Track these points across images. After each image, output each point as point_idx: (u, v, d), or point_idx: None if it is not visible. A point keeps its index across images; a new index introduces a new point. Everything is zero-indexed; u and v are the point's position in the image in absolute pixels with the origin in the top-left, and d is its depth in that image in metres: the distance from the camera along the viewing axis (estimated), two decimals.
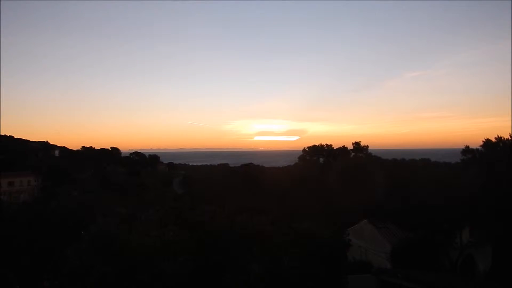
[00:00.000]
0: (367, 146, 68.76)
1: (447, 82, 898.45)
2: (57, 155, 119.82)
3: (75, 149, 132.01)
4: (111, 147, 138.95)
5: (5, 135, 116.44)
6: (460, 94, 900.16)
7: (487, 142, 30.74)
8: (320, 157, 72.67)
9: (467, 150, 33.31)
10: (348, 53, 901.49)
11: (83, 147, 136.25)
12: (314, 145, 72.97)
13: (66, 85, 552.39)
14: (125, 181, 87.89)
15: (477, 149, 32.37)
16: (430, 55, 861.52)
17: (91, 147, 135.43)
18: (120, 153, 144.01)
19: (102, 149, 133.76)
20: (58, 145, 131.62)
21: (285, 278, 7.43)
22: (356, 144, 68.08)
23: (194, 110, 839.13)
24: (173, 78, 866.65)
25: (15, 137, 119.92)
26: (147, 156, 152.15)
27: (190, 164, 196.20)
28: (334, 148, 71.42)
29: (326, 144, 72.47)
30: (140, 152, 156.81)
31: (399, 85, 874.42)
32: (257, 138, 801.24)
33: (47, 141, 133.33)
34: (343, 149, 70.22)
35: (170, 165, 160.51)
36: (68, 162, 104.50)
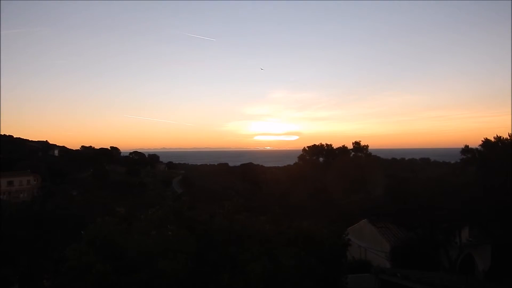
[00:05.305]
0: (367, 146, 68.81)
1: (447, 82, 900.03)
2: (57, 154, 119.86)
3: (74, 149, 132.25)
4: (110, 147, 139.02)
5: (4, 134, 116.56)
6: (459, 94, 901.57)
7: (487, 141, 30.67)
8: (320, 156, 72.63)
9: (466, 150, 33.16)
10: (348, 53, 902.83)
11: (82, 146, 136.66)
12: (314, 145, 72.94)
13: (66, 84, 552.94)
14: (124, 181, 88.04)
15: (476, 149, 32.25)
16: (429, 55, 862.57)
17: (90, 146, 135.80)
18: (120, 152, 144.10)
19: (102, 149, 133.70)
20: (57, 144, 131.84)
21: (284, 278, 7.45)
22: (356, 144, 68.09)
23: (194, 110, 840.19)
24: (173, 78, 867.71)
25: (15, 136, 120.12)
26: (147, 156, 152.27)
27: (190, 163, 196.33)
28: (334, 147, 71.41)
29: (326, 144, 72.44)
30: (139, 152, 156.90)
31: (400, 84, 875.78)
32: (257, 138, 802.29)
33: (46, 140, 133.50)
34: (343, 148, 70.22)
35: (170, 164, 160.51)
36: (68, 161, 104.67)
